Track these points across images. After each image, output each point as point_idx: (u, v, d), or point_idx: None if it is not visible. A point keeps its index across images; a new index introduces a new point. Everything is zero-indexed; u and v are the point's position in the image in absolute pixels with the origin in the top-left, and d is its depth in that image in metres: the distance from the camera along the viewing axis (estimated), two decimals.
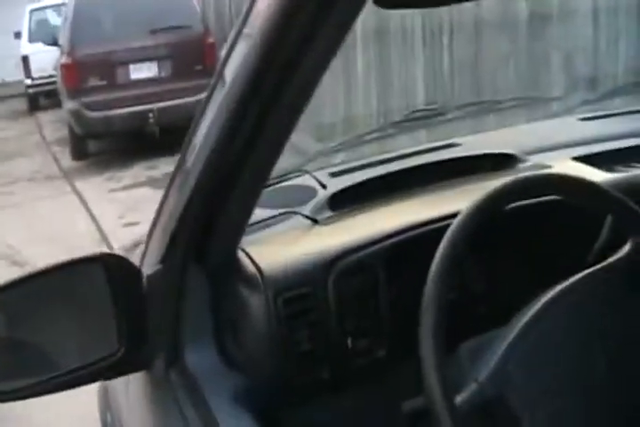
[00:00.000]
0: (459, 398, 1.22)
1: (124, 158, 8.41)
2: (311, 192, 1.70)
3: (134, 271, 1.37)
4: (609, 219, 1.48)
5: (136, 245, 1.77)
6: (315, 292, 1.41)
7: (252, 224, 1.46)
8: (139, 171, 7.92)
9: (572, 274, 1.36)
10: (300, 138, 1.68)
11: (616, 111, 2.22)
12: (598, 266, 1.37)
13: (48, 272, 1.36)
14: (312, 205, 1.64)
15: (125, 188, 7.48)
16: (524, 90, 5.53)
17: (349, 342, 1.43)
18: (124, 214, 6.55)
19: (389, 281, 1.45)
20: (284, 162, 1.44)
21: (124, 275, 1.36)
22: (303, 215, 1.62)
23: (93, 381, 1.37)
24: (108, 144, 8.96)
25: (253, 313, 1.38)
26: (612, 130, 2.04)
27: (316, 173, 1.77)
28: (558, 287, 1.32)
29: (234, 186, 1.23)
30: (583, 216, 1.50)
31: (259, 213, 1.48)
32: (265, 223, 1.60)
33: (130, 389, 1.62)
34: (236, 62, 1.07)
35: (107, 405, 1.99)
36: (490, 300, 1.51)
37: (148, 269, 1.39)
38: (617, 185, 1.44)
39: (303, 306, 1.40)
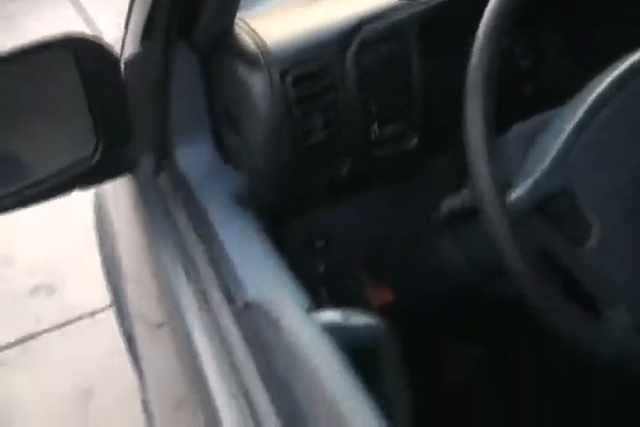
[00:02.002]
0: (513, 196, 1.01)
1: None
2: None
3: (110, 56, 1.13)
4: None
5: None
6: (331, 67, 1.14)
7: None
8: None
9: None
10: None
11: None
12: None
13: (7, 61, 1.12)
14: None
15: None
16: None
17: (375, 128, 1.20)
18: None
19: (423, 52, 1.18)
20: None
21: (97, 61, 1.12)
22: None
23: (70, 189, 1.17)
24: None
25: (255, 98, 1.13)
26: None
27: None
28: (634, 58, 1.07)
29: None
30: None
31: None
32: None
33: (118, 199, 1.42)
34: None
35: (101, 220, 1.81)
36: (537, 79, 1.27)
37: (126, 54, 1.16)
38: None
39: (317, 86, 1.14)
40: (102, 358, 2.46)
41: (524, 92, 1.25)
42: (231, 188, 1.14)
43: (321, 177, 1.20)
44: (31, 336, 2.64)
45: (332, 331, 0.87)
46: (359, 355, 0.88)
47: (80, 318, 2.67)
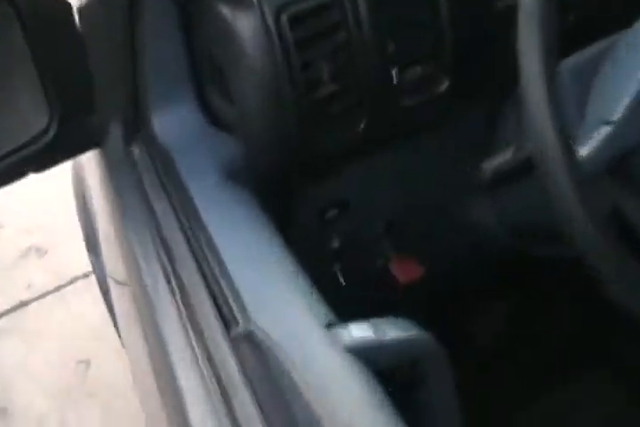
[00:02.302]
0: (584, 151, 0.79)
1: None
2: None
3: (60, 4, 0.92)
4: None
5: None
6: (337, 1, 0.92)
7: None
8: None
9: None
10: None
11: None
12: None
13: None
14: None
15: None
16: None
17: (395, 73, 0.97)
18: None
19: None
20: None
21: (44, 10, 0.90)
22: None
23: (24, 173, 0.95)
24: None
25: (244, 45, 0.91)
26: None
27: None
28: None
29: None
30: None
31: None
32: None
33: (92, 173, 1.21)
34: None
35: (79, 193, 1.60)
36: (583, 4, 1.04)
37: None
38: None
39: (321, 25, 0.91)
40: (99, 323, 2.27)
41: (568, 20, 1.03)
42: (221, 158, 0.94)
43: (332, 136, 0.98)
44: (24, 303, 2.45)
45: (362, 352, 0.67)
46: (399, 379, 0.69)
47: (74, 280, 2.48)
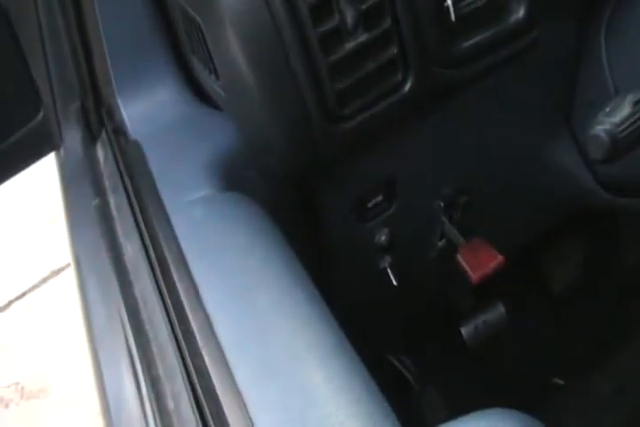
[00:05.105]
0: None
1: None
2: None
3: None
4: None
5: None
6: None
7: None
8: None
9: None
10: None
11: None
12: None
13: None
14: None
15: None
16: None
17: (450, 4, 0.69)
18: None
19: None
20: None
21: None
22: None
23: None
24: None
25: None
26: None
27: None
28: None
29: None
30: None
31: None
32: None
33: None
34: None
35: None
36: None
37: None
38: None
39: None
40: None
41: None
42: (213, 155, 0.68)
43: (369, 105, 0.70)
44: None
45: None
46: None
47: None
